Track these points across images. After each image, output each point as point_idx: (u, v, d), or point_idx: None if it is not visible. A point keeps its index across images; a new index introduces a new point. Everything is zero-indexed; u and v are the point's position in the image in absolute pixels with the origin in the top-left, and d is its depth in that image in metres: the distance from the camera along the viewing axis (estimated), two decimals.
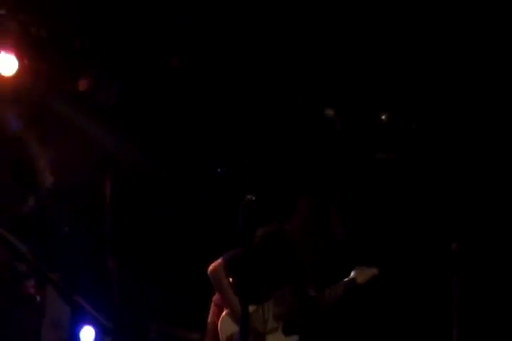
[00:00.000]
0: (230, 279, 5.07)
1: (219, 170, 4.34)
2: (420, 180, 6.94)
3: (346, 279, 5.22)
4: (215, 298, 5.22)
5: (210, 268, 5.12)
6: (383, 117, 7.04)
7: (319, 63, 6.83)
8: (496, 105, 6.69)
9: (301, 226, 5.16)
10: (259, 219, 4.30)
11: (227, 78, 6.86)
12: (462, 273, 5.99)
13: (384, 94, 6.98)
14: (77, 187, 6.75)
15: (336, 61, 6.82)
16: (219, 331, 5.07)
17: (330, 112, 5.02)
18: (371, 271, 5.24)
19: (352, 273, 5.23)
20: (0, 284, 5.51)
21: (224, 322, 5.08)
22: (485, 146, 6.70)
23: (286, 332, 5.09)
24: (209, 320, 5.22)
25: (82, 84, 6.32)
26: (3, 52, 6.35)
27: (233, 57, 6.79)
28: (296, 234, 5.15)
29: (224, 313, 5.09)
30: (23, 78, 6.49)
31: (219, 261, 5.12)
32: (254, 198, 4.17)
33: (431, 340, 6.34)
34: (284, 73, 6.88)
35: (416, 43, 6.67)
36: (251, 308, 4.81)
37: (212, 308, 5.20)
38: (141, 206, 6.90)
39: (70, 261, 6.20)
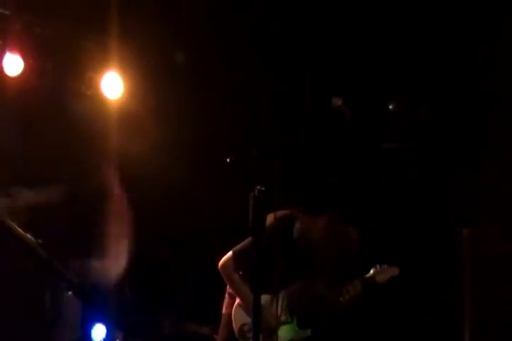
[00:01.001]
0: (240, 272, 5.07)
1: (228, 159, 4.34)
2: (429, 169, 6.94)
3: (365, 276, 5.19)
4: (229, 288, 5.22)
5: (220, 263, 5.11)
6: (391, 106, 7.04)
7: (325, 53, 6.84)
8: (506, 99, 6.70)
9: (329, 227, 5.12)
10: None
11: (237, 68, 6.88)
12: (474, 262, 6.01)
13: (391, 82, 6.98)
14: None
15: (341, 50, 6.82)
16: (232, 320, 5.07)
17: (338, 101, 4.98)
18: (392, 271, 5.22)
19: (371, 271, 5.21)
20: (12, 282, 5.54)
21: (237, 312, 5.07)
22: (493, 134, 6.69)
23: (300, 326, 5.07)
24: (223, 310, 5.22)
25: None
26: (8, 53, 6.37)
27: (242, 48, 6.81)
28: (323, 233, 5.10)
29: (236, 303, 5.09)
30: (29, 78, 6.52)
31: (228, 255, 5.11)
32: (264, 188, 4.19)
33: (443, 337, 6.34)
34: (291, 63, 6.89)
35: (420, 32, 6.67)
36: (263, 299, 4.74)
37: (226, 299, 5.20)
38: (149, 198, 6.92)
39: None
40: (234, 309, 5.08)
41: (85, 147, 6.72)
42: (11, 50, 6.38)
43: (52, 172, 6.48)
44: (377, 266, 5.23)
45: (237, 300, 5.09)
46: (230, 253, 5.10)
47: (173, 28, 6.70)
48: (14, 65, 6.43)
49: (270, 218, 4.61)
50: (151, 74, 6.81)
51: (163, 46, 6.80)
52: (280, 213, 4.91)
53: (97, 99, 6.80)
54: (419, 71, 6.84)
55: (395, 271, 5.21)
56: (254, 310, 4.12)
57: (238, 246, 5.09)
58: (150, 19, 6.56)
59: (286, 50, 6.72)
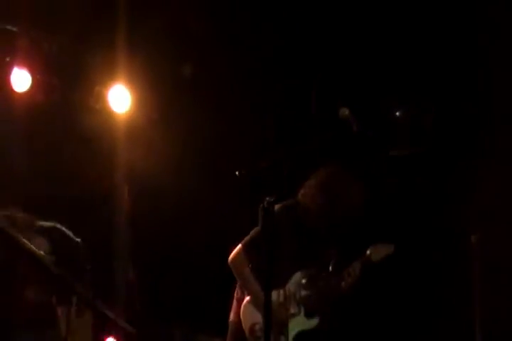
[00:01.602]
0: (250, 265, 5.07)
1: (237, 173, 4.37)
2: (437, 175, 6.96)
3: (362, 257, 5.16)
4: (236, 292, 5.21)
5: (230, 257, 5.10)
6: (397, 113, 7.05)
7: (331, 62, 6.87)
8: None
9: (313, 197, 5.14)
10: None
11: (244, 80, 6.91)
12: (483, 266, 6.02)
13: (398, 90, 7.01)
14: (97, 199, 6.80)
15: (347, 58, 6.85)
16: (242, 319, 5.05)
17: (345, 112, 5.01)
18: (387, 248, 5.18)
19: (367, 251, 5.16)
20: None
21: (246, 310, 5.06)
22: (499, 141, 6.71)
23: (308, 315, 5.08)
24: (230, 319, 5.23)
25: None
26: (16, 69, 6.42)
27: (249, 60, 6.84)
28: (310, 204, 5.13)
29: (245, 301, 5.08)
30: (37, 93, 6.56)
31: (238, 248, 5.10)
32: (273, 200, 4.22)
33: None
34: (297, 74, 6.92)
35: (426, 41, 6.69)
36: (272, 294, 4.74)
37: (234, 306, 5.20)
38: (158, 211, 6.95)
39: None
40: (243, 307, 5.06)
41: (94, 160, 6.76)
42: (19, 65, 6.42)
43: (61, 188, 6.51)
44: (372, 245, 5.19)
45: (246, 299, 5.09)
46: (240, 246, 5.10)
47: (180, 41, 6.74)
48: (22, 80, 6.48)
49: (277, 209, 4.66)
50: (158, 87, 6.85)
51: (170, 59, 6.84)
52: (284, 203, 5.00)
53: (105, 113, 6.84)
54: (425, 79, 6.87)
55: (389, 249, 5.17)
56: (265, 307, 4.12)
57: (247, 238, 5.10)
58: (157, 32, 6.60)
59: (293, 62, 6.76)
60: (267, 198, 4.22)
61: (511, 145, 6.59)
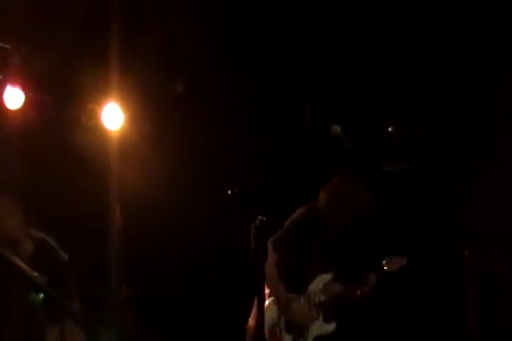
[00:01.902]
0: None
1: (229, 191, 4.42)
2: (430, 190, 6.98)
3: (378, 268, 5.40)
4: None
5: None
6: (390, 129, 7.09)
7: (324, 79, 6.90)
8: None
9: (328, 201, 5.25)
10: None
11: (236, 97, 6.93)
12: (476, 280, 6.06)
13: (389, 106, 7.04)
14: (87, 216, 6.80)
15: (340, 75, 6.88)
16: (264, 323, 5.08)
17: (337, 129, 5.11)
18: (400, 260, 5.45)
19: (383, 262, 5.41)
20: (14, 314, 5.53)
21: (269, 311, 5.14)
22: (488, 155, 6.74)
23: (326, 320, 5.22)
24: (249, 322, 5.24)
25: None
26: (9, 86, 6.42)
27: (241, 77, 6.87)
28: (325, 209, 5.26)
29: (268, 302, 5.15)
30: (30, 111, 6.57)
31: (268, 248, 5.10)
32: (265, 219, 4.26)
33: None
34: (291, 90, 6.95)
35: (416, 57, 6.73)
36: (293, 297, 5.03)
37: (253, 311, 5.22)
38: (150, 229, 6.95)
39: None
40: (266, 307, 5.10)
41: (87, 178, 6.75)
42: (12, 83, 6.42)
43: (53, 205, 6.49)
44: (386, 257, 5.46)
45: (268, 300, 5.13)
46: (269, 245, 5.12)
47: (172, 58, 6.76)
48: (15, 98, 6.47)
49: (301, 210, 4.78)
50: (151, 104, 6.86)
51: (162, 76, 6.86)
52: (307, 206, 5.17)
53: (98, 130, 6.84)
54: (419, 95, 6.90)
55: (403, 261, 5.45)
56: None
57: (273, 238, 5.17)
58: (148, 50, 6.62)
59: (286, 78, 6.79)
60: (259, 217, 4.26)
61: (507, 162, 6.63)
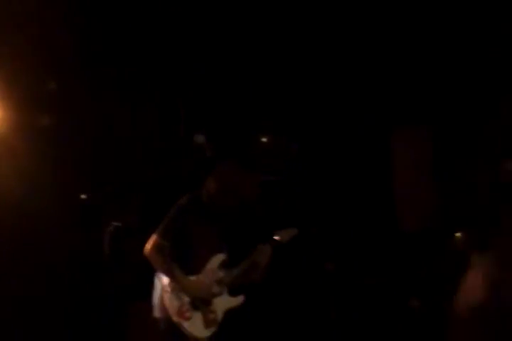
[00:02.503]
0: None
1: (83, 196, 4.43)
2: (300, 200, 7.11)
3: (270, 241, 5.43)
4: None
5: (147, 247, 5.14)
6: (264, 140, 7.19)
7: (198, 89, 6.94)
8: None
9: (217, 188, 5.31)
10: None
11: (106, 100, 6.91)
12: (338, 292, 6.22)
13: (263, 117, 7.13)
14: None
15: (217, 84, 6.93)
16: (167, 306, 5.11)
17: (199, 138, 5.20)
18: (291, 231, 5.51)
19: (275, 236, 5.45)
20: None
21: (167, 298, 5.12)
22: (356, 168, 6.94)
23: (232, 294, 5.30)
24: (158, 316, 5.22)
25: None
26: None
27: (115, 80, 6.85)
28: (214, 195, 5.31)
29: (165, 289, 5.13)
30: None
31: (152, 238, 5.14)
32: (120, 225, 4.28)
33: None
34: (166, 97, 6.97)
35: (286, 67, 6.85)
36: (191, 278, 5.07)
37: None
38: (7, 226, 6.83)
39: None
40: (165, 295, 5.12)
41: None
42: None
43: None
44: (277, 231, 5.50)
45: (164, 289, 5.13)
46: (155, 236, 5.14)
47: (45, 57, 6.69)
48: None
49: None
50: (21, 103, 6.78)
51: (34, 75, 6.78)
52: (188, 195, 5.20)
53: None
54: (294, 111, 7.03)
55: (294, 231, 5.52)
56: None
57: (159, 228, 5.17)
58: (20, 48, 6.53)
59: (161, 85, 6.80)
60: (113, 223, 4.28)
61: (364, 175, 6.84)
